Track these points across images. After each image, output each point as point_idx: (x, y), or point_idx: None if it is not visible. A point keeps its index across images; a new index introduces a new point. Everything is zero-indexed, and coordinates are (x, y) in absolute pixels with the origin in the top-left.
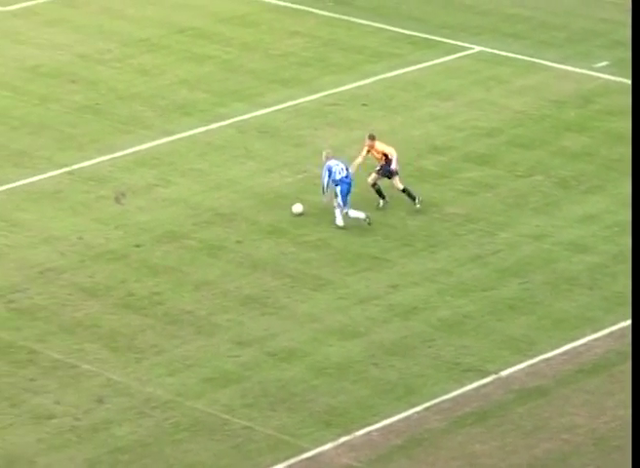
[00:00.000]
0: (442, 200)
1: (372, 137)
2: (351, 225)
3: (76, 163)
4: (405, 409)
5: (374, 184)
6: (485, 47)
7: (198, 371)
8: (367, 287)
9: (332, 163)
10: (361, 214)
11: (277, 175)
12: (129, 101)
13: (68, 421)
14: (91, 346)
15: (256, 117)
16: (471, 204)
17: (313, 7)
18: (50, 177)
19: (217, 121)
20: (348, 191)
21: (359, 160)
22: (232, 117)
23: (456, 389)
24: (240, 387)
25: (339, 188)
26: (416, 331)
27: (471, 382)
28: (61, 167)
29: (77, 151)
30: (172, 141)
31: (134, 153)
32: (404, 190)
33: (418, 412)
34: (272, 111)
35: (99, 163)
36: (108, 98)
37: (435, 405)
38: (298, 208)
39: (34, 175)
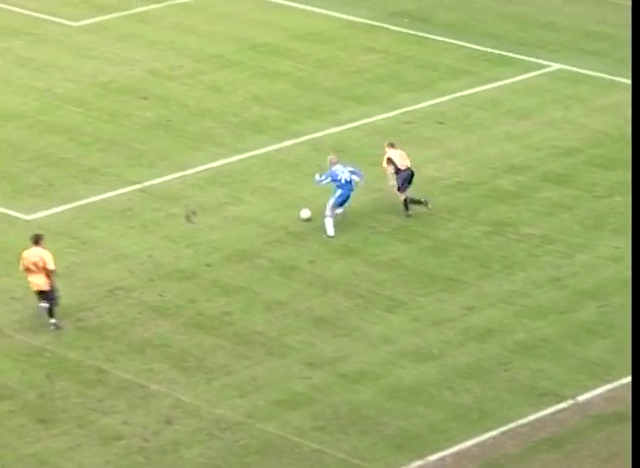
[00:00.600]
0: (519, 220)
1: (391, 145)
2: (426, 246)
3: (147, 180)
4: (479, 434)
5: (405, 199)
6: (563, 64)
7: (268, 393)
8: (441, 308)
9: (337, 168)
10: (329, 230)
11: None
12: (200, 118)
13: (137, 442)
14: (160, 366)
15: (329, 135)
16: (549, 224)
17: (388, 23)
18: (120, 195)
19: (290, 138)
20: (347, 197)
21: (389, 171)
22: (306, 135)
23: (532, 414)
24: (311, 409)
25: (339, 191)
26: (491, 354)
27: (548, 407)
28: (132, 184)
29: (148, 168)
30: (244, 159)
31: (205, 171)
32: (405, 200)
33: (493, 437)
34: (346, 129)
35: (169, 180)
36: (179, 115)
37: (511, 429)
38: (305, 213)
39: (104, 191)
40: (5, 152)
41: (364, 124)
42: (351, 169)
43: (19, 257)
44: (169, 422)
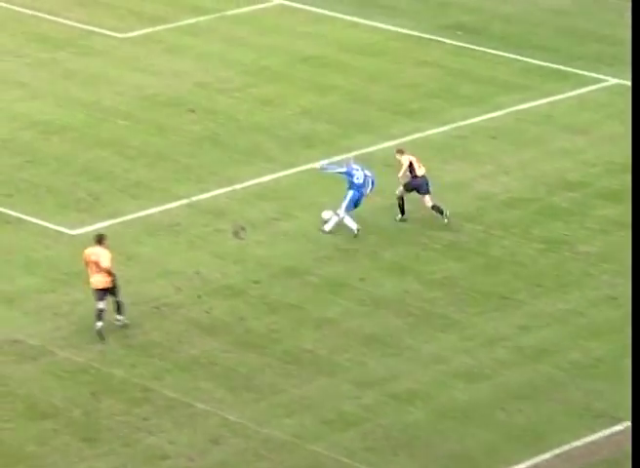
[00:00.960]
0: (574, 238)
1: (401, 151)
2: (479, 263)
3: (194, 195)
4: (533, 456)
5: (400, 197)
6: (621, 79)
7: (317, 413)
8: (495, 327)
9: (353, 167)
10: (353, 226)
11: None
12: (249, 132)
13: (182, 462)
14: (207, 385)
15: (381, 150)
16: (604, 242)
17: (441, 36)
18: (167, 210)
19: (340, 153)
20: (359, 200)
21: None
22: (356, 149)
23: (586, 436)
24: (361, 430)
25: (350, 193)
26: (545, 375)
27: (603, 429)
28: (179, 199)
29: (195, 183)
30: (293, 174)
31: (254, 185)
32: (433, 207)
33: (546, 460)
34: (398, 144)
35: (217, 195)
36: (228, 129)
37: (565, 452)
38: (327, 214)
39: (151, 206)
40: (50, 166)
41: (416, 138)
42: (368, 173)
43: (63, 273)
44: (215, 442)
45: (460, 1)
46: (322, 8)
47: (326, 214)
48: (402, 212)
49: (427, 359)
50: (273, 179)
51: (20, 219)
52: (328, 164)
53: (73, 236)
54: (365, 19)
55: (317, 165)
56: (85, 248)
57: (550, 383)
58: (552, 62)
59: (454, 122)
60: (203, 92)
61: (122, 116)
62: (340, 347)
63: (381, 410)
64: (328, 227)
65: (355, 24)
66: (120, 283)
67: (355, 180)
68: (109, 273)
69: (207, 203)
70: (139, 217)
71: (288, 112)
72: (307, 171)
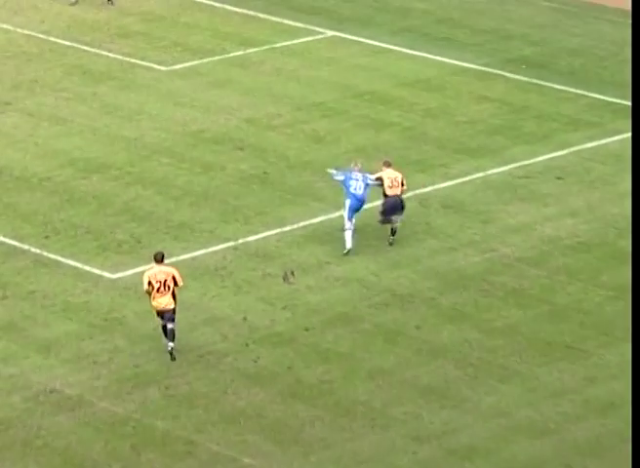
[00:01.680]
0: None
1: (387, 164)
2: (543, 311)
3: (241, 237)
4: None
5: (392, 229)
6: None
7: None
8: (559, 379)
9: (354, 175)
10: (348, 243)
11: (462, 253)
12: (300, 171)
13: None
14: (254, 438)
15: (439, 190)
16: None
17: (504, 70)
18: (213, 252)
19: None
20: (357, 209)
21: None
22: (413, 189)
23: None
24: None
25: (348, 202)
26: (613, 430)
27: None
28: (225, 241)
29: (242, 224)
30: (343, 215)
31: (304, 227)
32: (384, 221)
33: None
34: (457, 183)
35: (266, 237)
36: (278, 167)
37: None
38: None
39: (196, 249)
40: (90, 205)
41: (476, 178)
42: (368, 182)
43: (102, 319)
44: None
45: (524, 33)
46: (377, 40)
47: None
48: (392, 233)
49: (487, 412)
50: (325, 220)
51: (57, 262)
52: (335, 170)
53: (113, 280)
54: (422, 51)
55: (329, 170)
56: (126, 291)
57: (619, 438)
58: (621, 98)
59: (516, 161)
60: (251, 128)
61: (165, 153)
62: (395, 399)
63: (439, 466)
64: (348, 245)
65: (412, 57)
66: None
67: (352, 190)
68: (174, 295)
69: (255, 245)
70: (182, 260)
71: (341, 150)
72: (362, 211)
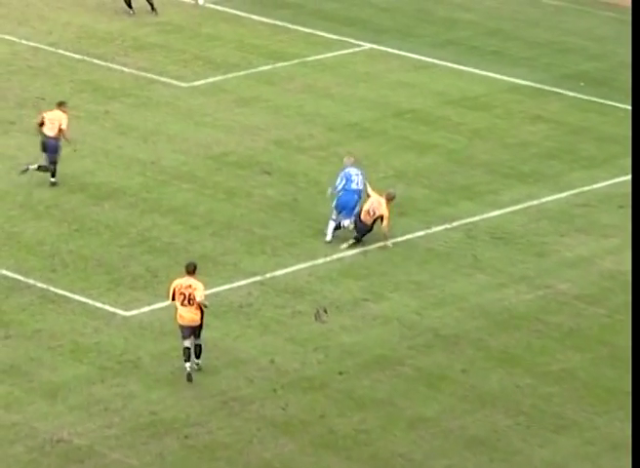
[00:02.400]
0: None
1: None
2: (602, 354)
3: (269, 271)
4: None
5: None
6: None
7: None
8: (621, 430)
9: (352, 171)
10: (329, 234)
11: (513, 290)
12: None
13: None
14: None
15: (488, 219)
16: None
17: (560, 87)
18: (237, 288)
19: (440, 223)
20: (347, 206)
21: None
22: (459, 219)
23: None
24: None
25: (341, 194)
26: None
27: None
28: (251, 275)
29: (270, 257)
30: (382, 247)
31: (339, 260)
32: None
33: None
34: (508, 212)
35: (296, 271)
36: (309, 193)
37: None
38: (348, 223)
39: (219, 284)
40: (102, 236)
41: (529, 207)
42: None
43: (115, 362)
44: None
45: (583, 46)
46: (419, 53)
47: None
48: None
49: (541, 465)
50: (361, 253)
51: (65, 298)
52: (337, 185)
53: (127, 318)
54: (469, 66)
55: (329, 192)
56: (141, 331)
57: None
58: None
59: (574, 187)
60: (280, 150)
61: (185, 178)
62: (439, 451)
63: None
64: (328, 237)
65: (458, 73)
66: (179, 373)
67: (353, 186)
68: (201, 309)
69: (284, 280)
70: (208, 295)
71: (379, 175)
72: (401, 243)
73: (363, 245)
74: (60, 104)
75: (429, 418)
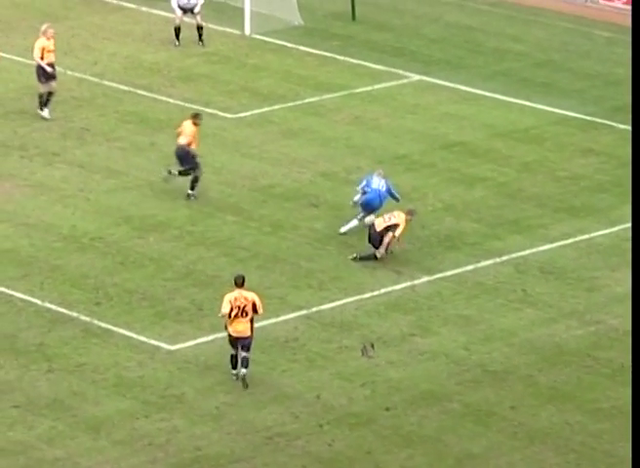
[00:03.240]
0: None
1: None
2: None
3: (315, 305)
4: None
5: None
6: None
7: None
8: None
9: (375, 177)
10: (347, 227)
11: (563, 325)
12: None
13: None
14: None
15: (538, 253)
16: None
17: (612, 119)
18: (283, 322)
19: (489, 257)
20: (376, 206)
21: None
22: (508, 253)
23: None
24: None
25: (367, 196)
26: None
27: None
28: (297, 309)
29: (316, 290)
30: (432, 281)
31: (386, 294)
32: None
33: None
34: (558, 247)
35: (342, 305)
36: (356, 227)
37: None
38: (370, 219)
39: (264, 318)
40: (146, 269)
41: (580, 241)
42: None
43: (159, 396)
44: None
45: None
46: (469, 85)
47: (370, 220)
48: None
49: None
50: (409, 287)
51: (109, 332)
52: (360, 187)
53: (172, 352)
54: (519, 98)
55: (352, 202)
56: (186, 365)
57: None
58: None
59: (625, 222)
60: (327, 182)
61: (231, 211)
62: None
63: None
64: (344, 229)
65: (507, 105)
66: (225, 408)
67: (374, 186)
68: (252, 321)
69: (330, 314)
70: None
71: (428, 208)
72: (450, 277)
73: (411, 278)
74: (194, 116)
75: (477, 455)
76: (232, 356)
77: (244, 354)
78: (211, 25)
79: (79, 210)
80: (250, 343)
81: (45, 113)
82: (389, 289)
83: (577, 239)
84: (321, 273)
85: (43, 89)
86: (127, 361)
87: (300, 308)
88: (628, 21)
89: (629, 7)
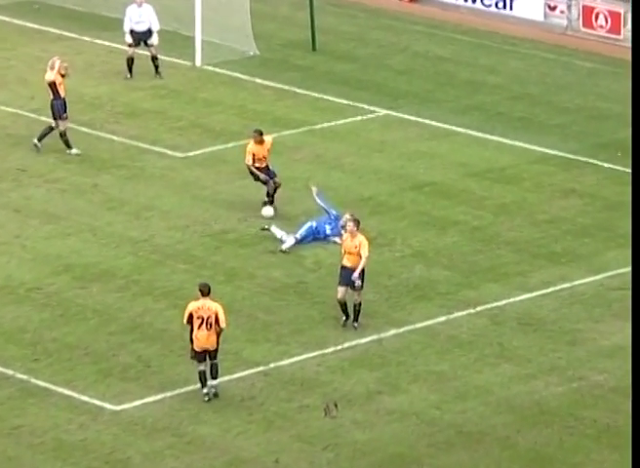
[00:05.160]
0: None
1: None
2: None
3: (273, 360)
4: None
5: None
6: None
7: None
8: None
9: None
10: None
11: (543, 382)
12: None
13: None
14: None
15: (515, 303)
16: None
17: (595, 157)
18: (238, 379)
19: (463, 308)
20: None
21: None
22: (484, 303)
23: None
24: None
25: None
26: None
27: None
28: (254, 365)
29: (275, 345)
30: (401, 334)
31: (350, 348)
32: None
33: None
34: (538, 296)
35: (303, 361)
36: (318, 275)
37: None
38: (268, 211)
39: (219, 375)
40: (88, 322)
41: (561, 290)
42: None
43: (103, 461)
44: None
45: (619, 113)
46: (439, 120)
47: (267, 211)
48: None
49: None
50: (376, 341)
51: (48, 391)
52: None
53: (116, 412)
54: (494, 134)
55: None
56: (132, 427)
57: None
58: None
59: (610, 269)
60: (286, 227)
61: (181, 258)
62: None
63: None
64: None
65: (482, 142)
66: None
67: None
68: (219, 334)
69: (290, 371)
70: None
71: (395, 254)
72: (420, 330)
73: (377, 331)
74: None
75: None
76: (200, 373)
77: (212, 361)
78: (159, 56)
79: (15, 258)
80: (215, 353)
81: None
82: (354, 342)
83: (557, 288)
84: (280, 326)
85: None
86: (67, 423)
87: (258, 364)
88: (611, 51)
89: (612, 35)
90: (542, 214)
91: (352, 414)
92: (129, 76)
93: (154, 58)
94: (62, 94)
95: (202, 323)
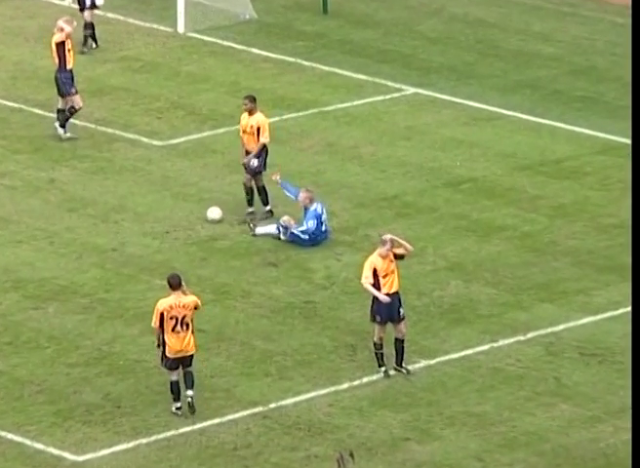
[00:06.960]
0: None
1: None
2: None
3: (274, 400)
4: None
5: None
6: None
7: None
8: None
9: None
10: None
11: (610, 426)
12: (361, 301)
13: None
14: None
15: (576, 329)
16: None
17: None
18: (230, 423)
19: (510, 334)
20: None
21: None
22: (536, 328)
23: None
24: None
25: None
26: None
27: None
28: (250, 406)
29: (275, 380)
30: (433, 367)
31: (369, 385)
32: None
33: None
34: (603, 319)
35: (311, 400)
36: (328, 294)
37: None
38: (214, 213)
39: (205, 418)
40: (44, 351)
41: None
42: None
43: None
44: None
45: None
46: (481, 101)
47: (212, 213)
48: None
49: None
50: (402, 375)
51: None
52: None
53: (79, 464)
54: (550, 118)
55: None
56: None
57: None
58: None
59: None
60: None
61: (159, 272)
62: None
63: None
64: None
65: (534, 128)
66: None
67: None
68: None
69: (294, 413)
70: (184, 434)
71: (426, 267)
72: (457, 362)
73: (404, 363)
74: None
75: None
76: (172, 383)
77: (186, 370)
78: (132, 20)
79: None
80: (191, 360)
81: None
82: (374, 377)
83: (628, 309)
84: (282, 356)
85: None
86: None
87: (254, 404)
88: None
89: None
90: (609, 218)
91: (373, 466)
92: (94, 46)
93: (88, 26)
94: (70, 63)
95: (176, 323)
